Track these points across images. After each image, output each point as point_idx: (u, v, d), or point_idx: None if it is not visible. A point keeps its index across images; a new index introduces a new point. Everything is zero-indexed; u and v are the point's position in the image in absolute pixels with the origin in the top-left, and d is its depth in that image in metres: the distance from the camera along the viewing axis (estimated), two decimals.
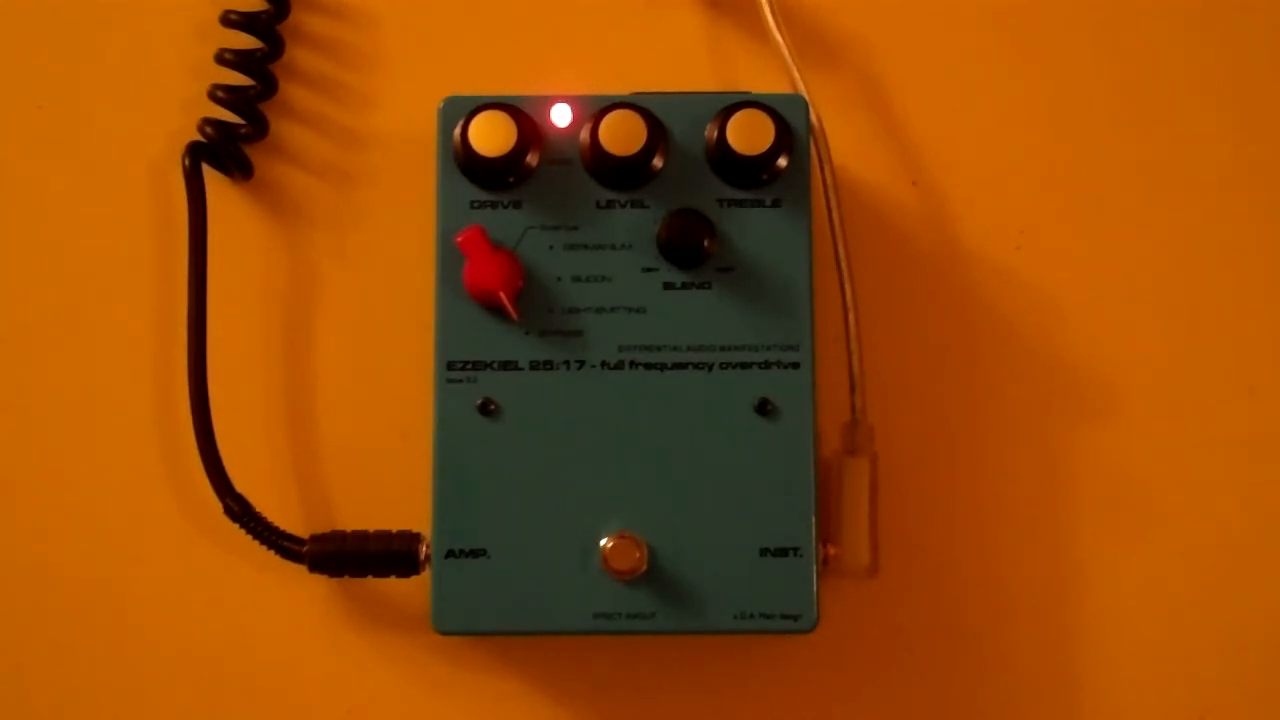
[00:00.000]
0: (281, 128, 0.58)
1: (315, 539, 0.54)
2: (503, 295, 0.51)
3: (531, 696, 0.56)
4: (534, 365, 0.52)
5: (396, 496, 0.55)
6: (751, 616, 0.51)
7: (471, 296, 0.52)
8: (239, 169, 0.57)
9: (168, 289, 0.57)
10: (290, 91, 0.59)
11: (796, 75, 0.55)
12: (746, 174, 0.52)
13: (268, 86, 0.57)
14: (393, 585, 0.54)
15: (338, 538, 0.54)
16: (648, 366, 0.52)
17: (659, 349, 0.52)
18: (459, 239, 0.51)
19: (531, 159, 0.53)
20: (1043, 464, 0.57)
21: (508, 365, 0.52)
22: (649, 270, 0.52)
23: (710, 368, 0.52)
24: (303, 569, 0.54)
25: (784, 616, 0.51)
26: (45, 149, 0.58)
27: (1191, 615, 0.56)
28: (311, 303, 0.57)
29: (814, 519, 0.51)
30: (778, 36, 0.56)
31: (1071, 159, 0.59)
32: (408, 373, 0.55)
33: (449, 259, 0.52)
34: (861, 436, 0.54)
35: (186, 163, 0.56)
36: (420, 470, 0.52)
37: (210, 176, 0.57)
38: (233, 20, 0.57)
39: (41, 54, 0.59)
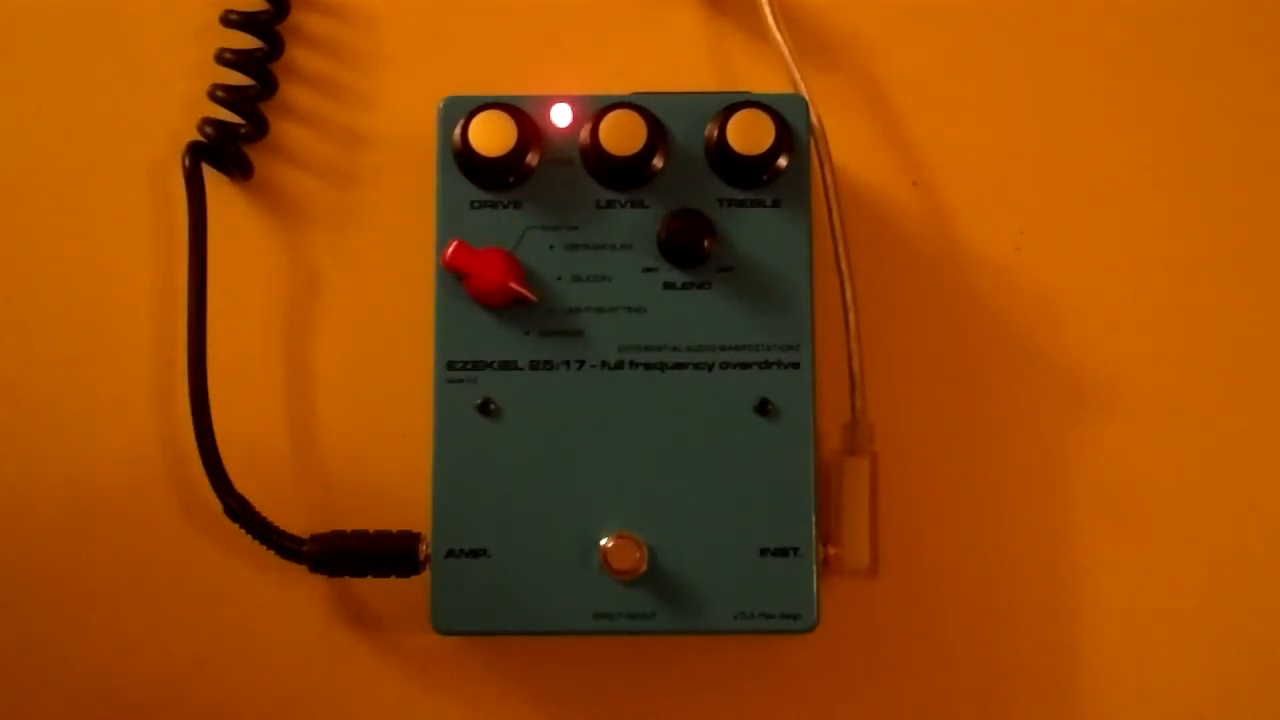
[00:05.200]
0: (281, 128, 0.58)
1: (315, 539, 0.54)
2: (514, 285, 0.51)
3: (531, 696, 0.56)
4: (534, 365, 0.52)
5: (396, 496, 0.55)
6: (751, 616, 0.51)
7: (482, 302, 0.52)
8: (239, 169, 0.57)
9: (168, 289, 0.57)
10: (290, 91, 0.59)
11: (796, 75, 0.55)
12: (746, 174, 0.52)
13: (268, 86, 0.57)
14: (393, 585, 0.54)
15: (338, 538, 0.54)
16: (648, 366, 0.52)
17: (659, 349, 0.52)
18: (445, 261, 0.51)
19: (531, 159, 0.53)
20: (1042, 464, 0.57)
21: (508, 365, 0.52)
22: (649, 270, 0.52)
23: (710, 368, 0.52)
24: (303, 569, 0.54)
25: (784, 616, 0.51)
26: (45, 149, 0.58)
27: (1190, 615, 0.56)
28: (311, 303, 0.57)
29: (814, 519, 0.51)
30: (778, 36, 0.56)
31: (1071, 159, 0.59)
32: (408, 373, 0.55)
33: None
34: (861, 436, 0.54)
35: (186, 163, 0.56)
36: (420, 470, 0.52)
37: (210, 176, 0.57)
38: (233, 20, 0.57)
39: (41, 54, 0.59)
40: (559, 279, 0.52)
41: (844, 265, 0.54)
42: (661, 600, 0.51)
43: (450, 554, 0.51)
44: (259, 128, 0.57)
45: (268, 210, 0.58)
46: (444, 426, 0.52)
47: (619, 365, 0.52)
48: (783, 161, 0.52)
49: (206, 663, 0.56)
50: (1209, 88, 0.59)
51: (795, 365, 0.52)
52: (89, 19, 0.59)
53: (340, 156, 0.58)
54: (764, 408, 0.52)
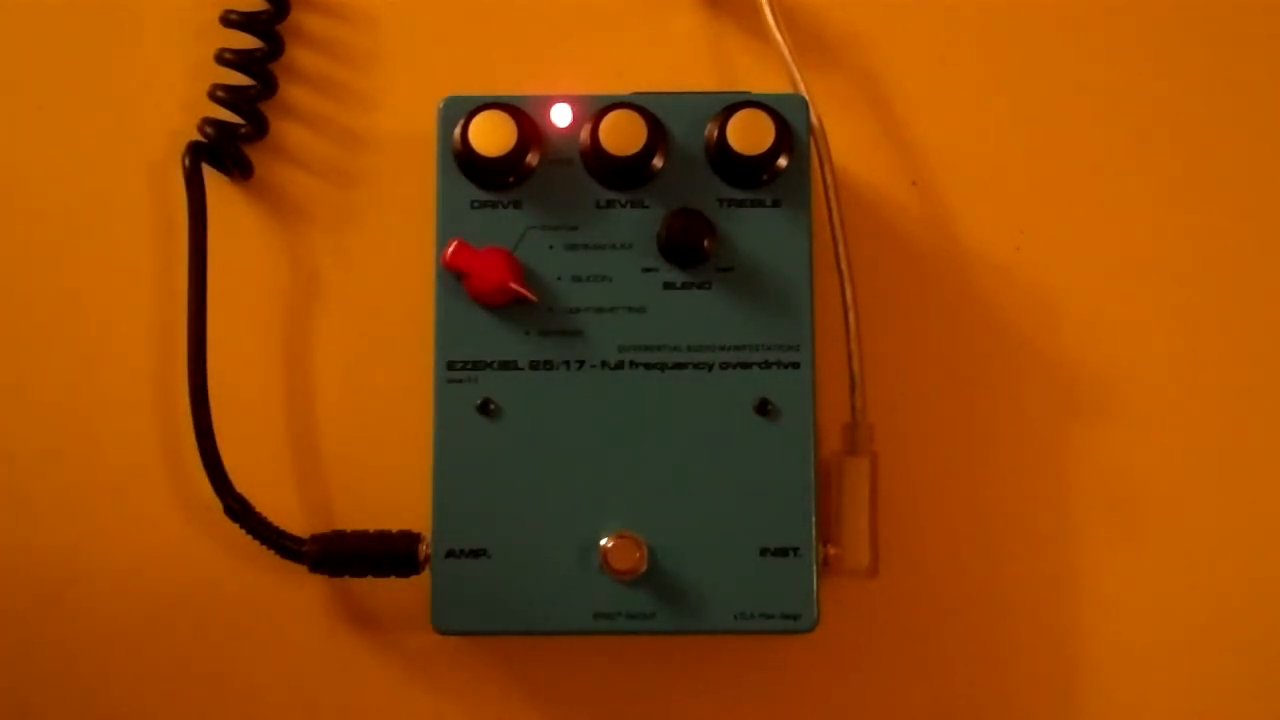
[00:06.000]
0: (281, 128, 0.58)
1: (315, 539, 0.54)
2: (514, 285, 0.51)
3: (531, 696, 0.56)
4: (534, 365, 0.52)
5: (396, 496, 0.55)
6: (751, 616, 0.51)
7: (482, 302, 0.52)
8: (239, 169, 0.57)
9: (168, 289, 0.57)
10: (290, 91, 0.59)
11: (796, 75, 0.55)
12: (746, 174, 0.52)
13: (268, 86, 0.57)
14: (393, 585, 0.54)
15: (338, 538, 0.54)
16: (648, 366, 0.52)
17: (659, 349, 0.52)
18: (445, 261, 0.51)
19: (531, 159, 0.53)
20: (1042, 464, 0.57)
21: (508, 365, 0.52)
22: (649, 270, 0.52)
23: (710, 368, 0.52)
24: (303, 569, 0.54)
25: (784, 616, 0.51)
26: (45, 149, 0.58)
27: (1191, 615, 0.56)
28: (311, 303, 0.57)
29: (814, 519, 0.51)
30: (778, 36, 0.56)
31: (1071, 159, 0.59)
32: (408, 373, 0.55)
33: None
34: (861, 436, 0.54)
35: (186, 163, 0.56)
36: (420, 470, 0.52)
37: (210, 176, 0.57)
38: (233, 20, 0.57)
39: (41, 54, 0.59)
40: (559, 279, 0.52)
41: (844, 265, 0.54)
42: (661, 600, 0.51)
43: (450, 554, 0.51)
44: (259, 128, 0.57)
45: (268, 210, 0.58)
46: (444, 426, 0.52)
47: (619, 365, 0.52)
48: (783, 161, 0.52)
49: (207, 663, 0.56)
50: (1209, 88, 0.59)
51: (795, 365, 0.52)
52: (89, 19, 0.59)
53: (340, 156, 0.58)
54: (764, 408, 0.52)
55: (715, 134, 0.52)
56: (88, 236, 0.58)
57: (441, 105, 0.53)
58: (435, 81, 0.55)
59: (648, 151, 0.52)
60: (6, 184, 0.58)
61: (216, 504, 0.54)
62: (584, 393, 0.52)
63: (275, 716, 0.56)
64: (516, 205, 0.53)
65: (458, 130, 0.52)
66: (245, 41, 0.57)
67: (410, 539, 0.53)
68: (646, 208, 0.53)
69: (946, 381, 0.57)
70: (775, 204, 0.53)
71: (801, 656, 0.56)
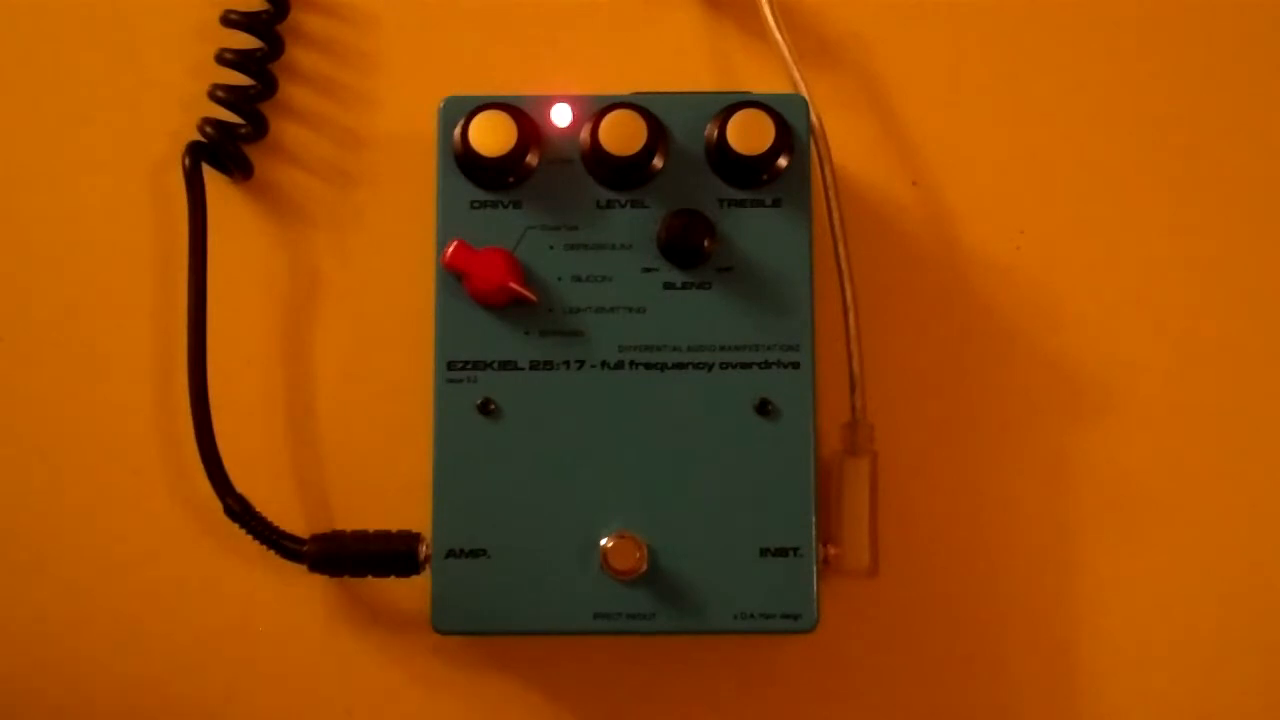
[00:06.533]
0: (281, 128, 0.58)
1: (315, 539, 0.54)
2: (514, 285, 0.51)
3: (531, 696, 0.56)
4: (534, 365, 0.52)
5: (396, 496, 0.55)
6: (751, 616, 0.51)
7: (482, 302, 0.52)
8: (239, 169, 0.57)
9: (168, 289, 0.57)
10: (290, 91, 0.59)
11: (796, 75, 0.55)
12: (746, 174, 0.52)
13: (268, 86, 0.57)
14: (393, 585, 0.54)
15: (338, 538, 0.54)
16: (648, 366, 0.52)
17: (659, 349, 0.52)
18: (445, 261, 0.51)
19: (531, 159, 0.53)
20: (1043, 464, 0.57)
21: (508, 365, 0.52)
22: (649, 270, 0.52)
23: (710, 368, 0.52)
24: (303, 569, 0.54)
25: (784, 616, 0.51)
26: (45, 149, 0.58)
27: (1191, 615, 0.56)
28: (311, 303, 0.57)
29: (814, 519, 0.51)
30: (778, 36, 0.56)
31: (1071, 159, 0.59)
32: (408, 373, 0.55)
33: None
34: (861, 436, 0.54)
35: (186, 163, 0.56)
36: (420, 470, 0.52)
37: (210, 176, 0.57)
38: (233, 20, 0.57)
39: (41, 54, 0.59)
40: (559, 279, 0.52)
41: (844, 265, 0.54)
42: (661, 600, 0.51)
43: (450, 554, 0.51)
44: (259, 128, 0.57)
45: (268, 210, 0.58)
46: (444, 426, 0.52)
47: (619, 365, 0.52)
48: (783, 161, 0.52)
49: (206, 663, 0.56)
50: (1209, 87, 0.59)
51: (795, 365, 0.52)
52: (89, 19, 0.59)
53: (340, 156, 0.58)
54: (764, 408, 0.52)
55: (715, 134, 0.52)
56: (88, 236, 0.58)
57: (441, 105, 0.53)
58: (435, 81, 0.55)
59: (648, 151, 0.52)
60: (6, 184, 0.58)
61: (216, 504, 0.54)
62: (584, 393, 0.52)
63: (275, 716, 0.56)
64: (516, 205, 0.53)
65: (458, 130, 0.52)
66: (245, 41, 0.57)
67: (410, 539, 0.53)
68: (646, 208, 0.53)
69: (946, 381, 0.57)
70: (775, 204, 0.53)
71: (801, 656, 0.56)
